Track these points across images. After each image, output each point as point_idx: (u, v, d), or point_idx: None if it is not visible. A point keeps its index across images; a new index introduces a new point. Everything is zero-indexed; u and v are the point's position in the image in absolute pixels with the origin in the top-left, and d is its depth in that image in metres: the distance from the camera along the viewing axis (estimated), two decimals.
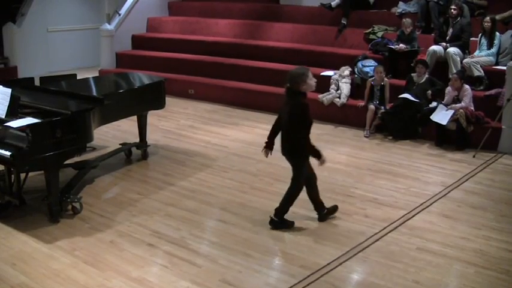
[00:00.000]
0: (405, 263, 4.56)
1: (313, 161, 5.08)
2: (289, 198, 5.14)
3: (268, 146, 5.27)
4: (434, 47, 8.52)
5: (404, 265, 4.52)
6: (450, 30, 8.60)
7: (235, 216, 5.44)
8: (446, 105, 7.72)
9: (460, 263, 4.58)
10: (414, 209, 5.64)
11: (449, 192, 6.14)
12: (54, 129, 4.96)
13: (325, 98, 8.76)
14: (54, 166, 5.11)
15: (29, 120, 5.01)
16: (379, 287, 4.22)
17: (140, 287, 4.20)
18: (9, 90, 5.19)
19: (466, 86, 7.70)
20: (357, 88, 8.85)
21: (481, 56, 8.21)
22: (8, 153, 4.84)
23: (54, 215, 5.21)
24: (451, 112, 7.57)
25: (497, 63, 8.24)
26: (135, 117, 7.02)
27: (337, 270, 4.46)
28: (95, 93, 6.37)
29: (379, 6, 10.49)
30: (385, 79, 8.34)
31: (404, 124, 8.01)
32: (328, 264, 4.53)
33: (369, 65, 8.96)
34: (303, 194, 5.74)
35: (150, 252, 4.72)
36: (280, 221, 5.15)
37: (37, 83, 6.65)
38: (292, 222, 5.19)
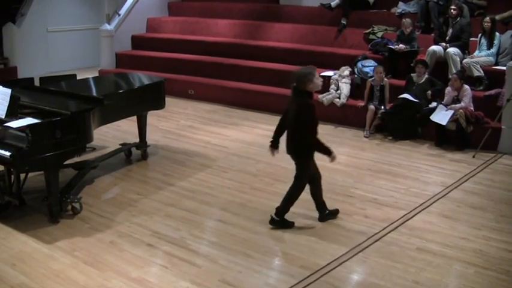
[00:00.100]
0: (405, 263, 4.56)
1: (318, 160, 5.08)
2: (291, 197, 5.14)
3: (274, 145, 5.28)
4: (434, 47, 8.52)
5: (404, 265, 4.52)
6: (450, 31, 8.60)
7: (235, 217, 5.44)
8: (446, 105, 7.72)
9: (460, 263, 4.58)
10: (414, 209, 5.64)
11: (449, 192, 6.14)
12: (54, 129, 4.96)
13: (325, 98, 8.76)
14: (54, 166, 5.11)
15: (29, 121, 5.01)
16: (379, 287, 4.22)
17: (140, 287, 4.20)
18: (9, 91, 5.19)
19: (466, 86, 7.70)
20: (357, 88, 8.85)
21: (481, 56, 8.21)
22: (7, 153, 4.84)
23: (54, 216, 5.21)
24: (450, 112, 7.57)
25: (497, 64, 8.24)
26: (134, 118, 7.02)
27: (337, 270, 4.46)
28: (94, 94, 6.37)
29: (379, 6, 10.49)
30: (385, 79, 8.34)
31: (404, 124, 8.01)
32: (328, 264, 4.53)
33: (368, 65, 8.96)
34: (303, 194, 5.75)
35: (150, 252, 4.73)
36: (281, 221, 5.16)
37: (37, 83, 6.64)
38: (292, 223, 5.20)
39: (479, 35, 8.37)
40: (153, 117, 8.21)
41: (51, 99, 5.83)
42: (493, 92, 7.88)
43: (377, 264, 4.55)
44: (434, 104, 7.90)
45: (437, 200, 5.92)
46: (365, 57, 9.19)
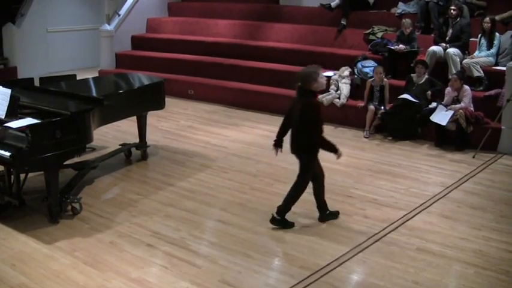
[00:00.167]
0: (405, 263, 4.56)
1: (323, 158, 5.09)
2: (293, 196, 5.15)
3: (278, 144, 5.30)
4: (434, 48, 8.52)
5: (404, 266, 4.52)
6: (450, 31, 8.60)
7: (235, 217, 5.44)
8: (446, 105, 7.72)
9: (460, 264, 4.58)
10: (414, 210, 5.64)
11: (449, 192, 6.14)
12: (53, 129, 4.96)
13: (324, 98, 8.75)
14: (54, 167, 5.11)
15: (29, 121, 5.01)
16: (379, 287, 4.23)
17: (140, 287, 4.19)
18: (8, 91, 5.19)
19: (466, 87, 7.70)
20: (357, 89, 8.85)
21: (481, 57, 8.21)
22: (7, 153, 4.84)
23: (53, 216, 5.21)
24: (450, 113, 7.57)
25: (496, 64, 8.25)
26: (134, 118, 7.02)
27: (337, 270, 4.46)
28: (94, 94, 6.37)
29: (379, 6, 10.49)
30: (385, 80, 8.34)
31: (404, 125, 8.01)
32: (328, 264, 4.53)
33: (368, 66, 8.96)
34: (304, 194, 5.75)
35: (150, 252, 4.72)
36: (282, 220, 5.15)
37: (37, 83, 6.64)
38: (292, 223, 5.19)
39: (479, 35, 8.37)
40: (153, 118, 8.21)
41: (51, 99, 5.83)
42: (492, 92, 7.88)
43: (377, 265, 4.55)
44: (434, 104, 7.90)
45: (437, 200, 5.92)
46: (365, 58, 9.19)
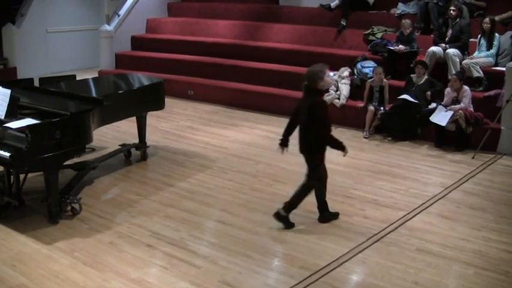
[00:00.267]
0: (405, 264, 4.56)
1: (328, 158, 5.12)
2: (300, 196, 5.15)
3: (284, 143, 5.31)
4: (433, 48, 8.52)
5: (403, 266, 4.52)
6: (449, 31, 8.60)
7: (235, 217, 5.44)
8: (445, 106, 7.72)
9: (460, 264, 4.58)
10: (413, 210, 5.64)
11: (448, 193, 6.14)
12: (53, 130, 4.96)
13: (324, 98, 8.75)
14: (54, 167, 5.11)
15: (29, 121, 5.01)
16: None
17: None
18: (8, 91, 5.19)
19: (466, 87, 7.70)
20: (356, 89, 8.85)
21: (480, 57, 8.22)
22: (7, 154, 4.83)
23: (53, 216, 5.21)
24: (450, 113, 7.57)
25: (496, 64, 8.25)
26: (134, 118, 7.02)
27: (336, 271, 4.46)
28: (94, 94, 6.37)
29: (379, 7, 10.49)
30: (384, 80, 8.35)
31: (403, 125, 8.02)
32: (327, 265, 4.53)
33: (368, 66, 8.96)
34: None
35: (150, 253, 4.72)
36: (286, 217, 5.15)
37: (36, 83, 6.64)
38: (293, 224, 5.19)
39: (479, 35, 8.37)
40: (152, 118, 8.21)
41: (51, 99, 5.83)
42: (492, 92, 7.88)
43: (376, 265, 4.55)
44: (433, 104, 7.90)
45: (437, 200, 5.92)
46: (364, 58, 9.19)
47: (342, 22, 10.28)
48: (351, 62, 9.19)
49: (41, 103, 5.58)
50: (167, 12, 13.23)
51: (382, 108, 8.25)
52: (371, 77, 8.56)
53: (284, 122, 8.82)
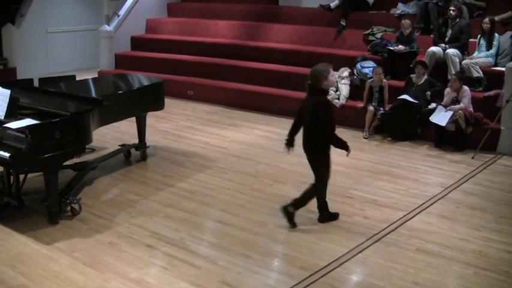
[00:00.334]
0: (404, 264, 4.56)
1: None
2: (309, 197, 5.17)
3: (289, 143, 5.31)
4: (433, 48, 8.53)
5: (403, 266, 4.52)
6: (449, 32, 8.60)
7: (235, 217, 5.44)
8: (445, 106, 7.72)
9: (459, 264, 4.58)
10: (413, 210, 5.64)
11: (448, 193, 6.14)
12: (53, 130, 4.96)
13: None
14: (53, 167, 5.11)
15: (28, 122, 5.01)
16: None
17: None
18: (8, 91, 5.19)
19: (465, 87, 7.70)
20: (356, 89, 8.85)
21: (480, 57, 8.22)
22: (7, 154, 4.83)
23: (53, 217, 5.21)
24: (450, 113, 7.57)
25: (496, 64, 8.25)
26: (134, 119, 7.02)
27: (336, 271, 4.46)
28: (94, 95, 6.37)
29: (378, 7, 10.49)
30: (384, 80, 8.35)
31: (403, 125, 8.02)
32: (327, 265, 4.53)
33: (368, 66, 8.97)
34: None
35: (149, 253, 4.72)
36: (292, 214, 5.15)
37: (36, 84, 6.64)
38: (296, 224, 5.19)
39: (479, 36, 8.37)
40: (152, 118, 8.21)
41: (51, 100, 5.83)
42: (492, 93, 7.88)
43: (376, 265, 4.55)
44: (433, 104, 7.90)
45: (437, 201, 5.92)
46: (364, 58, 9.20)
47: (341, 22, 10.29)
48: (350, 62, 9.19)
49: (40, 103, 5.58)
50: (167, 12, 13.23)
51: (381, 108, 8.25)
52: (371, 77, 8.56)
53: (284, 122, 8.95)
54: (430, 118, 7.69)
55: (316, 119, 4.95)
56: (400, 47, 8.84)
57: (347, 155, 5.14)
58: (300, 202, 5.17)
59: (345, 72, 8.98)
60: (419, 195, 6.05)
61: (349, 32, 10.23)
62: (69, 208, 5.44)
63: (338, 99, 8.77)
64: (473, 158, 7.28)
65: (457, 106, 7.61)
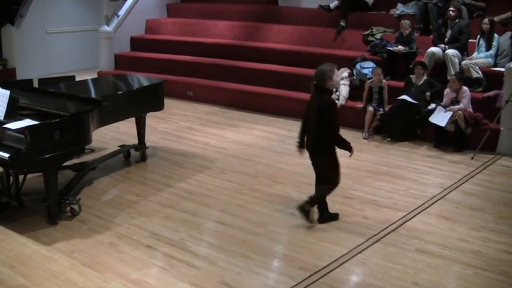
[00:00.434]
0: (404, 264, 4.56)
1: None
2: (324, 189, 5.18)
3: (301, 145, 5.33)
4: (432, 49, 8.53)
5: (403, 267, 4.52)
6: (449, 32, 8.60)
7: (234, 218, 5.44)
8: (444, 106, 7.73)
9: (459, 265, 4.58)
10: (413, 211, 5.64)
11: (447, 193, 6.14)
12: (52, 131, 4.96)
13: None
14: (53, 168, 5.11)
15: (28, 122, 5.01)
16: None
17: None
18: (7, 92, 5.18)
19: (465, 88, 7.71)
20: (356, 90, 8.85)
21: (480, 58, 8.22)
22: (6, 155, 4.83)
23: (52, 217, 5.21)
24: (449, 114, 7.58)
25: (495, 65, 8.25)
26: (133, 119, 7.02)
27: (336, 271, 4.46)
28: (93, 95, 6.36)
29: (378, 7, 10.50)
30: (384, 81, 8.35)
31: (403, 126, 8.02)
32: (327, 265, 4.53)
33: (367, 67, 8.97)
34: (302, 196, 5.74)
35: (149, 254, 4.72)
36: (308, 210, 5.17)
37: (36, 84, 6.64)
38: (314, 221, 5.22)
39: (478, 36, 8.38)
40: (152, 119, 8.21)
41: (50, 100, 5.82)
42: (491, 93, 7.89)
43: (376, 266, 4.55)
44: (433, 105, 7.90)
45: (436, 201, 5.92)
46: (364, 59, 9.20)
47: (341, 23, 10.29)
48: (350, 63, 9.19)
49: (40, 104, 5.58)
50: (166, 12, 13.23)
51: (381, 109, 8.25)
52: (370, 78, 8.56)
53: (283, 122, 8.96)
54: (430, 119, 7.69)
55: (321, 118, 4.96)
56: (400, 47, 8.84)
57: (350, 156, 5.16)
58: (313, 200, 5.20)
59: (345, 72, 8.98)
60: (418, 195, 6.05)
61: (348, 33, 10.23)
62: (68, 209, 5.44)
63: (337, 99, 8.75)
64: (472, 158, 7.28)
65: (456, 107, 7.61)
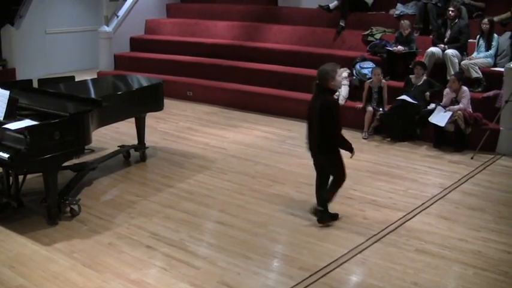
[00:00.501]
0: (404, 264, 4.56)
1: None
2: (332, 188, 5.20)
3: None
4: (432, 49, 8.53)
5: (402, 267, 4.52)
6: (448, 32, 8.60)
7: (234, 218, 5.44)
8: (444, 106, 7.73)
9: (459, 265, 4.58)
10: (412, 211, 5.64)
11: (447, 193, 6.14)
12: (52, 131, 4.96)
13: None
14: (53, 168, 5.11)
15: (27, 123, 5.01)
16: None
17: None
18: (7, 92, 5.18)
19: (464, 88, 7.71)
20: (355, 90, 8.85)
21: (479, 58, 8.22)
22: (6, 155, 4.83)
23: (52, 217, 5.21)
24: (449, 114, 7.58)
25: (495, 65, 8.25)
26: (133, 119, 7.02)
27: (335, 271, 4.46)
28: (93, 95, 6.37)
29: (378, 8, 10.49)
30: (383, 81, 8.35)
31: (402, 126, 8.02)
32: (327, 265, 4.53)
33: (367, 67, 8.97)
34: (302, 196, 5.76)
35: (149, 254, 4.72)
36: (323, 210, 5.20)
37: (35, 85, 6.64)
38: (336, 214, 5.29)
39: (478, 36, 8.38)
40: (151, 119, 8.21)
41: (50, 101, 5.82)
42: (491, 93, 7.88)
43: (376, 266, 4.55)
44: (432, 105, 7.90)
45: (436, 201, 5.92)
46: (363, 59, 9.20)
47: (340, 23, 10.29)
48: (349, 63, 9.19)
49: (39, 104, 5.58)
50: (166, 13, 13.22)
51: (381, 109, 8.25)
52: (370, 78, 8.56)
53: (283, 123, 8.96)
54: (429, 119, 7.69)
55: (324, 118, 4.96)
56: (399, 47, 8.84)
57: (351, 157, 5.16)
58: (324, 201, 5.23)
59: (344, 72, 8.96)
60: (418, 195, 6.05)
61: (348, 33, 10.23)
62: (68, 209, 5.44)
63: (337, 99, 8.77)
64: (472, 158, 7.28)
65: (456, 107, 7.61)
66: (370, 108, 8.24)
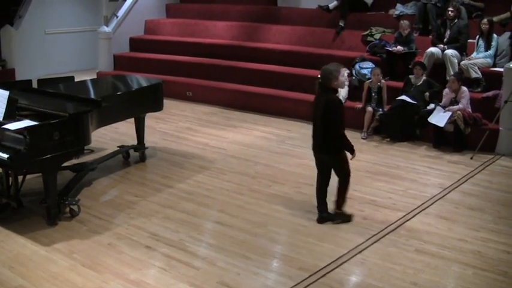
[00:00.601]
0: (403, 264, 4.57)
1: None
2: (343, 189, 5.23)
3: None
4: (431, 49, 8.53)
5: (402, 267, 4.53)
6: (448, 32, 8.61)
7: (233, 218, 5.44)
8: (443, 107, 7.73)
9: (458, 265, 4.58)
10: (412, 211, 5.64)
11: (447, 194, 6.14)
12: (52, 131, 4.95)
13: None
14: (52, 168, 5.11)
15: (27, 123, 5.01)
16: None
17: None
18: (7, 93, 5.18)
19: (464, 88, 7.71)
20: (355, 90, 8.85)
21: (479, 58, 8.23)
22: (5, 155, 4.83)
23: (52, 218, 5.20)
24: (448, 114, 7.58)
25: (494, 65, 8.25)
26: (132, 120, 7.02)
27: (335, 272, 4.46)
28: (92, 96, 6.36)
29: (377, 8, 10.50)
30: (382, 81, 8.35)
31: (402, 126, 8.02)
32: (326, 266, 4.53)
33: (366, 67, 8.97)
34: (302, 196, 5.76)
35: (148, 254, 4.72)
36: (341, 212, 5.25)
37: (35, 85, 6.64)
38: (350, 215, 5.33)
39: (477, 36, 8.38)
40: (151, 119, 8.20)
41: (49, 101, 5.82)
42: (490, 93, 7.89)
43: (375, 266, 4.55)
44: (432, 105, 7.90)
45: (435, 201, 5.92)
46: (363, 59, 9.20)
47: (340, 23, 10.29)
48: (349, 63, 9.18)
49: (39, 104, 5.58)
50: (165, 13, 13.22)
51: (380, 109, 8.25)
52: (369, 78, 8.57)
53: (282, 123, 8.97)
54: (429, 119, 7.69)
55: (327, 117, 4.96)
56: (399, 47, 8.84)
57: (351, 159, 5.15)
58: (339, 202, 5.25)
59: (344, 73, 8.96)
60: (418, 195, 6.06)
61: (347, 33, 10.23)
62: (68, 209, 5.44)
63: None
64: (471, 158, 7.29)
65: (455, 107, 7.62)
66: (369, 109, 8.24)
